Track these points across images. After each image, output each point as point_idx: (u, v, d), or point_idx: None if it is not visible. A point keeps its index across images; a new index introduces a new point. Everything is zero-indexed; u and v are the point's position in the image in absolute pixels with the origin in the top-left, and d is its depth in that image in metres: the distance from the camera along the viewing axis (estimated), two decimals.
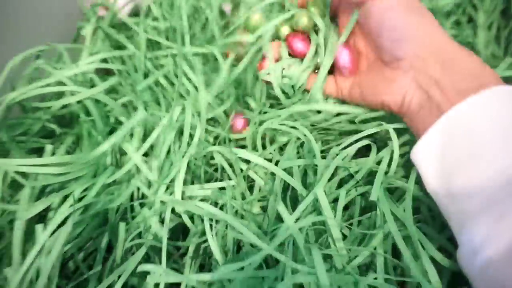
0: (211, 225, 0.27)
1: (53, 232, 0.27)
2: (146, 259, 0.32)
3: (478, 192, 0.20)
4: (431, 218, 0.26)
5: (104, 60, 0.37)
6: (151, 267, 0.23)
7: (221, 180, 0.31)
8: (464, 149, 0.21)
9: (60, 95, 0.35)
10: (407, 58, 0.25)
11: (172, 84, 0.38)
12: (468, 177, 0.21)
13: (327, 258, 0.23)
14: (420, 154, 0.24)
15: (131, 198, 0.33)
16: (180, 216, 0.31)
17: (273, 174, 0.32)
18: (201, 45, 0.39)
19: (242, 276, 0.21)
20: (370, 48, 0.29)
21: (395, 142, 0.26)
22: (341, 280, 0.20)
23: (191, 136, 0.31)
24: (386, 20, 0.25)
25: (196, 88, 0.35)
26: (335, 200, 0.26)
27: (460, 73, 0.23)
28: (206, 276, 0.21)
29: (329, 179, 0.26)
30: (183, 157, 0.29)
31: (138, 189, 0.32)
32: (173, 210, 0.32)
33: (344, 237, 0.26)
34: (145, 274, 0.32)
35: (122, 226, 0.30)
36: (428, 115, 0.24)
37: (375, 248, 0.23)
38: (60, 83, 0.30)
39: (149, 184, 0.31)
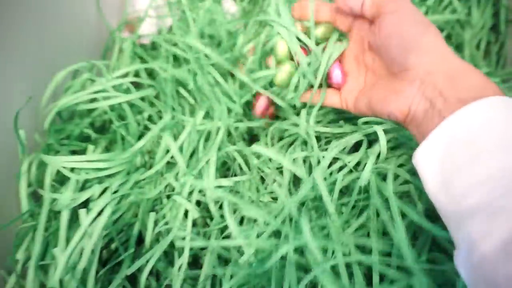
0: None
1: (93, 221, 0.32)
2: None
3: (475, 191, 0.21)
4: (418, 196, 0.29)
5: (135, 75, 0.43)
6: (179, 231, 0.27)
7: (235, 175, 0.36)
8: (464, 153, 0.22)
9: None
10: (414, 68, 0.27)
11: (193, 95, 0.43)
12: (467, 179, 0.22)
13: (324, 229, 0.27)
14: (421, 158, 0.25)
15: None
16: (203, 209, 0.35)
17: (281, 172, 0.37)
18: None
19: (257, 243, 0.25)
20: (378, 63, 0.31)
21: (381, 136, 0.30)
22: (332, 243, 0.24)
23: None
24: (396, 31, 0.28)
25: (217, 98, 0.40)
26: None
27: (463, 85, 0.25)
28: (228, 242, 0.25)
29: (329, 168, 0.31)
30: (208, 153, 0.33)
31: (165, 187, 0.37)
32: (198, 204, 0.36)
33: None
34: (171, 261, 0.36)
35: (152, 215, 0.34)
36: (430, 121, 0.25)
37: (367, 220, 0.27)
38: (101, 92, 0.36)
39: (177, 178, 0.35)
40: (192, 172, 0.33)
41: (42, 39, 0.41)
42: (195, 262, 0.39)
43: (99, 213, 0.32)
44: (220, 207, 0.34)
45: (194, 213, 0.32)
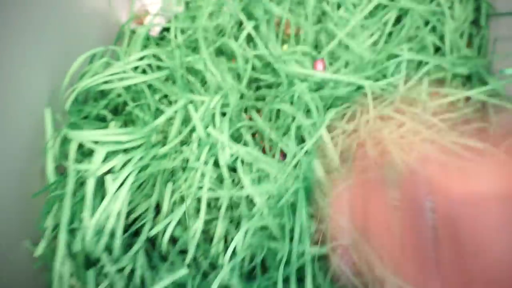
0: None
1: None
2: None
3: None
4: None
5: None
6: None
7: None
8: None
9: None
10: None
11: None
12: None
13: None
14: None
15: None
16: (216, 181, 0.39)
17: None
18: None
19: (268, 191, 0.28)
20: None
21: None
22: None
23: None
24: None
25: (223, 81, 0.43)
26: None
27: None
28: (241, 192, 0.29)
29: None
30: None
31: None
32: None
33: None
34: (186, 226, 0.39)
35: (169, 185, 0.37)
36: None
37: None
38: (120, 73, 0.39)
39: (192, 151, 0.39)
40: (208, 141, 0.36)
41: (61, 29, 0.44)
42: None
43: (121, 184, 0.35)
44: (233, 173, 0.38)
45: (211, 174, 0.35)
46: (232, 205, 0.38)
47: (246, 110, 0.48)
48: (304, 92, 0.37)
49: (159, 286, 0.30)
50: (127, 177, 0.34)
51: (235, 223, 0.39)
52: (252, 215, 0.33)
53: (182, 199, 0.39)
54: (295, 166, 0.34)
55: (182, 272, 0.31)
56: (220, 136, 0.36)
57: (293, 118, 0.37)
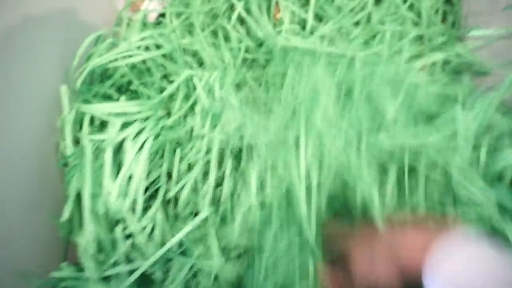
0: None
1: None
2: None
3: None
4: None
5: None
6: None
7: None
8: None
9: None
10: None
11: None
12: None
13: None
14: None
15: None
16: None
17: None
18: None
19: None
20: None
21: None
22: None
23: None
24: None
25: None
26: None
27: None
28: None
29: None
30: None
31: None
32: None
33: None
34: (197, 192, 0.43)
35: (177, 152, 0.41)
36: None
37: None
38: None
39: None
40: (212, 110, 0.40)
41: (64, 18, 0.47)
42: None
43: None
44: None
45: (219, 136, 0.39)
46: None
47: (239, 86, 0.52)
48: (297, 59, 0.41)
49: (185, 230, 0.34)
50: (144, 142, 0.37)
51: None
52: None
53: (190, 166, 0.42)
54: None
55: (205, 214, 0.34)
56: (227, 96, 0.39)
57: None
